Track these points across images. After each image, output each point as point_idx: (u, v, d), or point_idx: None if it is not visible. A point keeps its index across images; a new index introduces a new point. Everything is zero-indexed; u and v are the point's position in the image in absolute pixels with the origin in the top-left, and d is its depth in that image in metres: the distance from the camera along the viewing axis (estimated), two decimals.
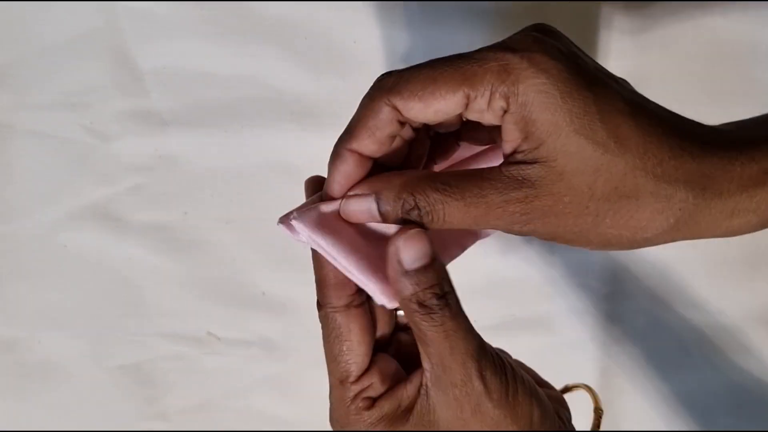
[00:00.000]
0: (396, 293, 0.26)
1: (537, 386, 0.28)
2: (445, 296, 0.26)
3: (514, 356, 0.47)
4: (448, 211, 0.25)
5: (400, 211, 0.26)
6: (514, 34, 0.26)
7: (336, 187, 0.28)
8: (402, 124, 0.27)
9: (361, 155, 0.28)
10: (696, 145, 0.24)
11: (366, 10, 0.45)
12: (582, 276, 0.46)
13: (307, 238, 0.28)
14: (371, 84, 0.28)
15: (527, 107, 0.24)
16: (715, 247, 0.46)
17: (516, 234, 0.26)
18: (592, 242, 0.26)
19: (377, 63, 0.45)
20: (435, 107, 0.26)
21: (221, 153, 0.46)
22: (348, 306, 0.28)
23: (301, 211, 0.29)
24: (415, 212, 0.26)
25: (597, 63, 0.26)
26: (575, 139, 0.24)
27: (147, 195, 0.46)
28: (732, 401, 0.47)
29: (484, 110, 0.26)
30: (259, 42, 0.45)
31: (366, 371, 0.30)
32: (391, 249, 0.26)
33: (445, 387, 0.26)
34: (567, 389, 0.32)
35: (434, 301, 0.25)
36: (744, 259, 0.46)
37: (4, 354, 0.48)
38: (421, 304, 0.25)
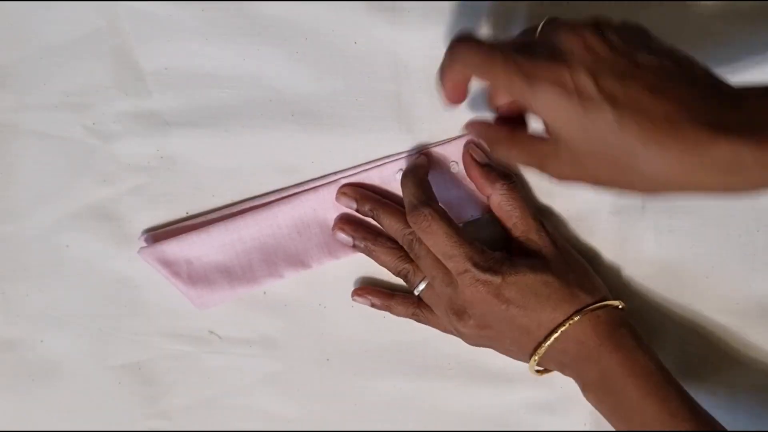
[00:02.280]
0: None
1: None
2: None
3: None
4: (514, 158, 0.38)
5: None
6: (564, 45, 0.34)
7: (450, 97, 0.39)
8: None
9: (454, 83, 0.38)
10: (709, 110, 0.32)
11: (366, 10, 0.45)
12: None
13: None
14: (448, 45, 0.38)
15: (537, 112, 0.35)
16: (714, 247, 0.46)
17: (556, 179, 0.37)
18: (598, 184, 0.36)
19: (377, 63, 0.45)
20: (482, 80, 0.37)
21: (222, 153, 0.46)
22: None
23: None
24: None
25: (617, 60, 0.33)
26: (575, 136, 0.34)
27: (148, 195, 0.46)
28: (731, 401, 0.47)
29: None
30: (260, 42, 0.45)
31: None
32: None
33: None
34: None
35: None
36: (744, 259, 0.46)
37: (5, 354, 0.48)
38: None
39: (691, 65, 0.34)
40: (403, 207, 0.44)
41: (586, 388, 0.42)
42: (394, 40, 0.45)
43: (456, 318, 0.43)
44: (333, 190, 0.46)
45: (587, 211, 0.46)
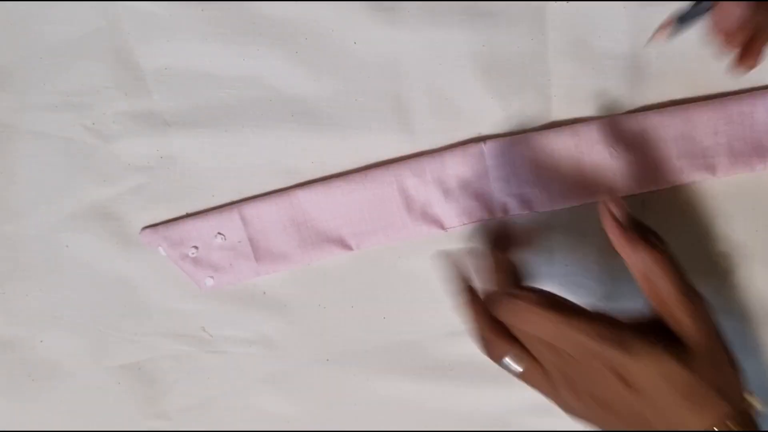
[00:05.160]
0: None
1: None
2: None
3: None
4: None
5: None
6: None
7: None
8: None
9: None
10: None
11: (366, 10, 0.45)
12: (580, 276, 0.47)
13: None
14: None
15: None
16: (714, 247, 0.46)
17: None
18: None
19: (377, 64, 0.45)
20: None
21: (222, 153, 0.46)
22: None
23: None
24: None
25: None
26: None
27: (148, 195, 0.46)
28: None
29: None
30: (259, 42, 0.45)
31: None
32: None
33: None
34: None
35: None
36: (744, 259, 0.46)
37: (5, 354, 0.48)
38: None
39: None
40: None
41: None
42: (394, 40, 0.45)
43: (567, 387, 0.36)
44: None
45: (587, 210, 0.46)
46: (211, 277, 0.47)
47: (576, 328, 0.34)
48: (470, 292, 0.40)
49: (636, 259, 0.36)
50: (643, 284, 0.37)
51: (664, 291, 0.36)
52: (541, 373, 0.37)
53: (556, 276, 0.47)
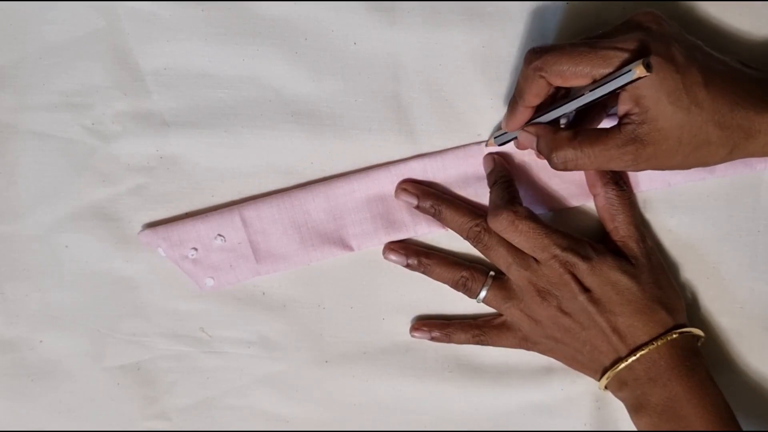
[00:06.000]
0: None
1: None
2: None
3: (511, 355, 0.47)
4: (582, 161, 0.39)
5: (550, 155, 0.39)
6: (626, 35, 0.38)
7: (513, 126, 0.42)
8: (550, 84, 0.39)
9: (527, 106, 0.41)
10: (746, 99, 0.37)
11: (366, 11, 0.45)
12: None
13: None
14: (524, 58, 0.39)
15: (638, 87, 0.37)
16: (714, 247, 0.46)
17: (629, 171, 0.44)
18: (679, 168, 0.40)
19: (377, 64, 0.45)
20: (571, 83, 0.38)
21: (222, 153, 0.46)
22: None
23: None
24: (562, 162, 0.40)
25: (683, 38, 0.38)
26: (670, 107, 0.37)
27: (148, 195, 0.46)
28: (730, 401, 0.46)
29: None
30: (259, 43, 0.45)
31: None
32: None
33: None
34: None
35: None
36: (744, 259, 0.46)
37: (5, 354, 0.48)
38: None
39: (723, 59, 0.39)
40: (463, 201, 0.45)
41: (641, 411, 0.41)
42: (394, 41, 0.45)
43: (540, 299, 0.43)
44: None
45: (587, 210, 0.46)
46: (212, 277, 0.47)
47: (550, 239, 0.41)
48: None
49: (604, 194, 0.43)
50: (605, 215, 0.44)
51: (622, 222, 0.43)
52: (509, 289, 0.44)
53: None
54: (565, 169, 0.39)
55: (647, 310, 0.41)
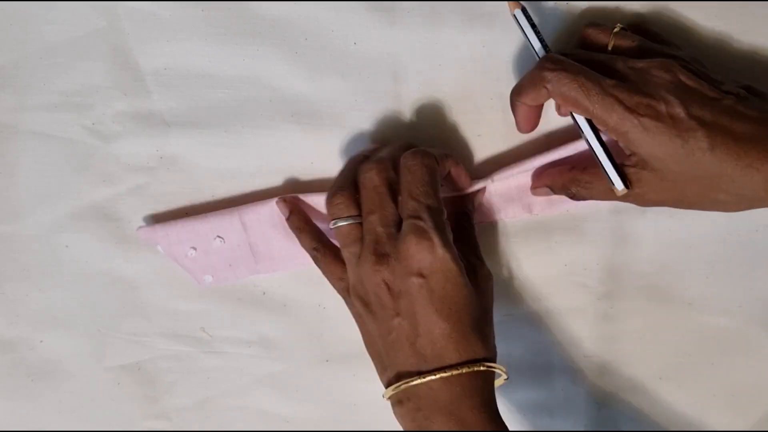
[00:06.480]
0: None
1: None
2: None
3: (512, 355, 0.47)
4: (593, 196, 0.41)
5: (566, 194, 0.42)
6: (635, 85, 0.38)
7: (525, 129, 0.43)
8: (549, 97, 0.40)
9: (528, 105, 0.41)
10: (764, 159, 0.36)
11: (366, 11, 0.45)
12: (579, 275, 0.47)
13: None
14: (537, 64, 0.40)
15: (637, 146, 0.38)
16: (713, 247, 0.46)
17: (637, 205, 0.41)
18: (681, 206, 0.40)
19: (377, 64, 0.45)
20: (569, 108, 0.39)
21: (222, 153, 0.46)
22: None
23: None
24: (573, 195, 0.42)
25: (699, 93, 0.37)
26: (673, 166, 0.37)
27: (148, 195, 0.46)
28: (730, 401, 0.46)
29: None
30: (259, 43, 0.45)
31: None
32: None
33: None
34: None
35: None
36: (743, 259, 0.46)
37: (5, 354, 0.48)
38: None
39: (752, 88, 0.39)
40: None
41: (408, 415, 0.37)
42: (394, 41, 0.45)
43: (373, 261, 0.38)
44: None
45: (587, 210, 0.46)
46: (210, 274, 0.47)
47: (429, 197, 0.38)
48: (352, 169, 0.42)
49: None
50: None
51: (474, 249, 0.42)
52: (356, 236, 0.40)
53: (556, 276, 0.47)
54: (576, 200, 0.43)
55: (466, 336, 0.37)
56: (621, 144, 0.39)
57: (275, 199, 0.45)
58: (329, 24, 0.45)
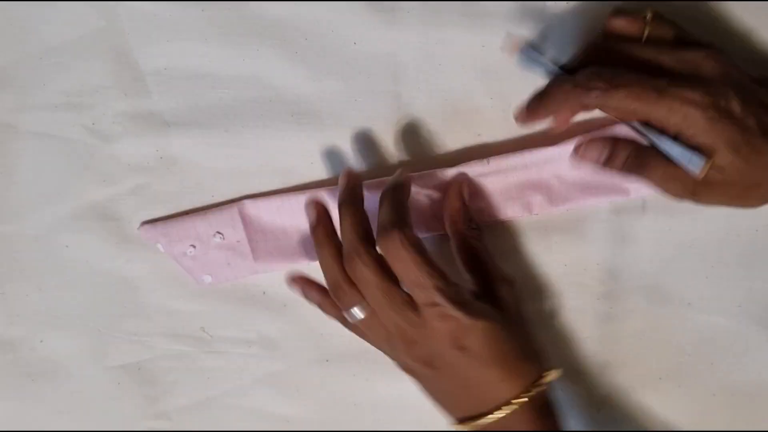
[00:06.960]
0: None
1: None
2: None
3: None
4: (651, 177, 0.41)
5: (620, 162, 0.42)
6: (688, 83, 0.38)
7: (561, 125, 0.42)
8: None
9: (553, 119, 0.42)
10: None
11: (366, 11, 0.45)
12: (579, 275, 0.47)
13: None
14: (580, 77, 0.39)
15: (698, 136, 0.38)
16: (713, 246, 0.46)
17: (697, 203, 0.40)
18: (718, 205, 0.40)
19: (377, 64, 0.45)
20: (622, 118, 0.40)
21: (222, 153, 0.46)
22: None
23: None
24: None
25: (743, 84, 0.38)
26: (730, 155, 0.37)
27: (148, 195, 0.47)
28: (730, 401, 0.46)
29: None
30: (259, 43, 0.45)
31: None
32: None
33: None
34: None
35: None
36: (742, 259, 0.46)
37: (5, 354, 0.48)
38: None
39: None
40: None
41: None
42: (394, 41, 0.45)
43: (405, 347, 0.40)
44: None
45: (587, 210, 0.46)
46: (210, 274, 0.47)
47: (431, 281, 0.37)
48: (331, 244, 0.41)
49: (461, 234, 0.43)
50: (464, 262, 0.42)
51: (490, 264, 0.42)
52: (380, 323, 0.40)
53: (556, 276, 0.47)
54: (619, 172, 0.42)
55: (519, 364, 0.39)
56: (681, 138, 0.38)
57: (275, 196, 0.45)
58: (329, 24, 0.45)
